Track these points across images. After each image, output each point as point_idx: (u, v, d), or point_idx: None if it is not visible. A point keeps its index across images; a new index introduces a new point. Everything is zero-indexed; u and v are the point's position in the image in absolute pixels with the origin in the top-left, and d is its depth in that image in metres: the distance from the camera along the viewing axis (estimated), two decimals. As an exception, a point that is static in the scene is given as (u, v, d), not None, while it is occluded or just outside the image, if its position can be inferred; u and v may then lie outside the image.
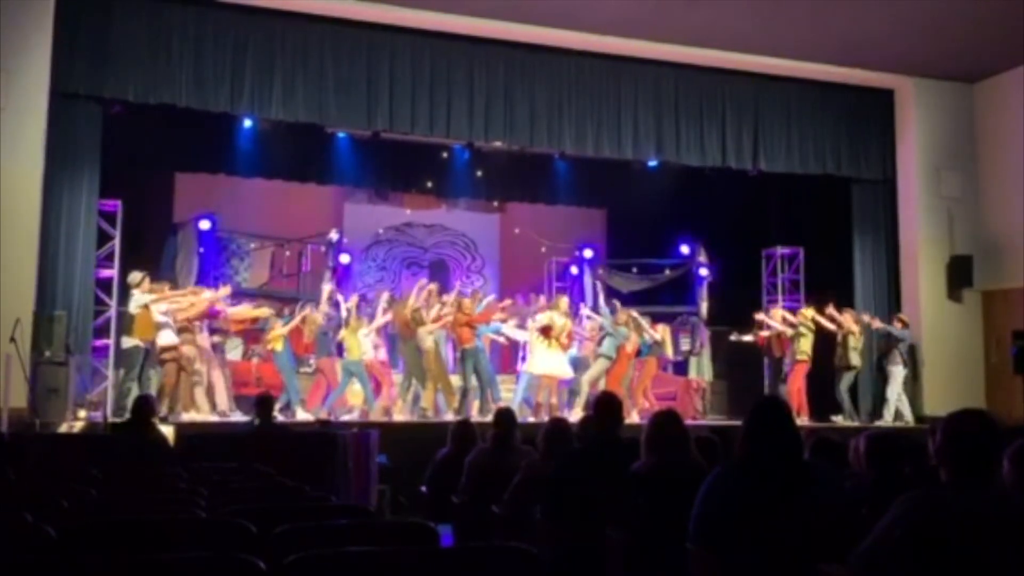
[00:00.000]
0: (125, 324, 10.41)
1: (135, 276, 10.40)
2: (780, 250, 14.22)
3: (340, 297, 12.19)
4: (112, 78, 10.28)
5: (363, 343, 11.46)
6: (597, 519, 4.29)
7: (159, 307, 10.28)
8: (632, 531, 4.11)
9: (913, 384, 12.59)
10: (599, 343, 12.09)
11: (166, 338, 10.29)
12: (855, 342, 12.24)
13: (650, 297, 15.16)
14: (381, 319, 11.81)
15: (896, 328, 12.31)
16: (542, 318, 11.77)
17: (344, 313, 11.70)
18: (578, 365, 12.12)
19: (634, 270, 16.05)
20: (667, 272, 15.81)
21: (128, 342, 10.26)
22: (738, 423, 3.78)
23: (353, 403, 11.69)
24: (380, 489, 8.58)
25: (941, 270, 12.99)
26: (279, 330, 11.45)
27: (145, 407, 7.57)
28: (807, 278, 13.98)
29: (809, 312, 12.49)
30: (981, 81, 13.17)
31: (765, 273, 14.40)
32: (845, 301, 13.10)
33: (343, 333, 11.56)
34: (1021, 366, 11.21)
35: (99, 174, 10.47)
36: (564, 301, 12.00)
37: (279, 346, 11.39)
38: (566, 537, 4.50)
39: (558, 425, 5.79)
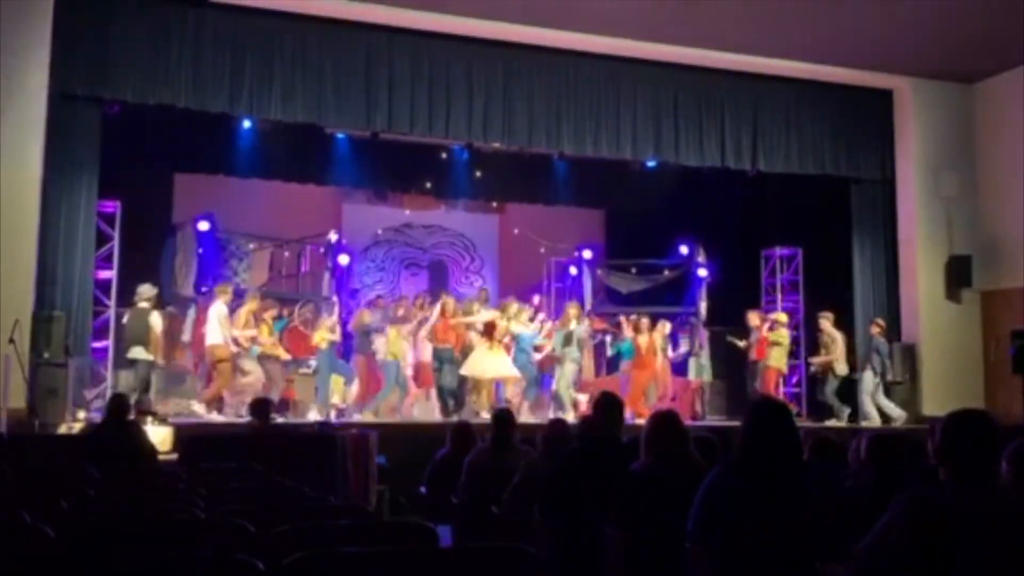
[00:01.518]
0: (137, 335, 10.58)
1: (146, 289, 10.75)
2: (779, 250, 14.22)
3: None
4: (111, 79, 10.27)
5: (401, 344, 11.64)
6: (596, 519, 4.29)
7: (220, 313, 10.79)
8: (631, 531, 4.11)
9: (912, 384, 12.61)
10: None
11: (214, 338, 10.72)
12: (838, 353, 12.40)
13: (649, 297, 15.14)
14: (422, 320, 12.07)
15: (874, 334, 12.38)
16: (487, 314, 11.76)
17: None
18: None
19: (633, 270, 16.02)
20: (666, 272, 15.78)
21: (140, 353, 10.53)
22: (737, 423, 3.78)
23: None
24: (379, 489, 8.59)
25: (940, 270, 12.99)
26: (326, 328, 11.57)
27: (121, 407, 7.55)
28: (806, 278, 13.98)
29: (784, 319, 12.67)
30: (980, 81, 13.17)
31: (764, 273, 14.40)
32: (844, 302, 13.13)
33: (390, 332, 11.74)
34: (1020, 366, 11.21)
35: (98, 175, 10.46)
36: (514, 307, 12.02)
37: (324, 345, 11.48)
38: (565, 537, 4.50)
39: (558, 426, 5.80)
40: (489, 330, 11.52)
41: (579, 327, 12.17)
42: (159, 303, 11.13)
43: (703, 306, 14.75)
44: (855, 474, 4.47)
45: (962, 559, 2.75)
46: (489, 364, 11.49)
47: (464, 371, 11.69)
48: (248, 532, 3.42)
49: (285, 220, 14.70)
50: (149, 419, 9.07)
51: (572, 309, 12.27)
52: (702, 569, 3.46)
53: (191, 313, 12.67)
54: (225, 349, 10.91)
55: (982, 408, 3.19)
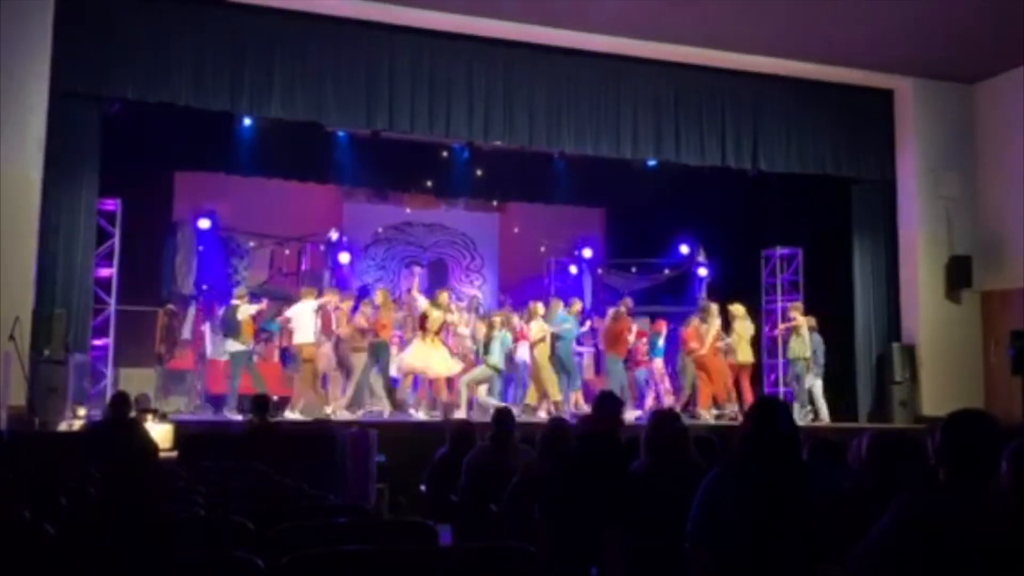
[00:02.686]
0: (229, 330, 11.30)
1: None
2: (779, 250, 14.22)
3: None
4: (112, 77, 10.26)
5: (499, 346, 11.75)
6: (595, 518, 4.29)
7: (308, 312, 11.21)
8: (630, 531, 4.11)
9: (912, 384, 12.61)
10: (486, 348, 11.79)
11: (305, 337, 11.10)
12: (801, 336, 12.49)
13: (649, 297, 15.15)
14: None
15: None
16: (421, 307, 11.52)
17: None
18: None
19: (633, 270, 16.05)
20: (666, 272, 15.81)
21: (233, 346, 11.20)
22: (736, 423, 3.78)
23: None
24: (379, 488, 8.60)
25: (940, 270, 12.99)
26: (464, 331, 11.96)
27: (123, 404, 7.54)
28: (806, 279, 13.98)
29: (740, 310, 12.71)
30: (980, 81, 13.16)
31: (764, 273, 14.39)
32: (845, 302, 13.13)
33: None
34: (1020, 367, 11.21)
35: (98, 173, 10.45)
36: (444, 296, 11.75)
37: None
38: (564, 536, 4.50)
39: (557, 425, 5.80)
40: (421, 323, 11.28)
41: (503, 333, 11.72)
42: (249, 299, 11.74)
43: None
44: (855, 474, 4.47)
45: (959, 561, 2.75)
46: (429, 359, 11.17)
47: (402, 366, 11.44)
48: (248, 530, 3.42)
49: (285, 218, 14.73)
50: (149, 416, 9.08)
51: (498, 317, 11.95)
52: (702, 570, 3.46)
53: (191, 311, 12.69)
54: (313, 348, 11.16)
55: (983, 408, 3.17)
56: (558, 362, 11.85)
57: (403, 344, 12.11)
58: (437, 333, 11.25)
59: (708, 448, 5.01)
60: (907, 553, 2.79)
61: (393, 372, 11.66)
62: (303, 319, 11.18)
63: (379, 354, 11.44)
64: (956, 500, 2.84)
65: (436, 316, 11.24)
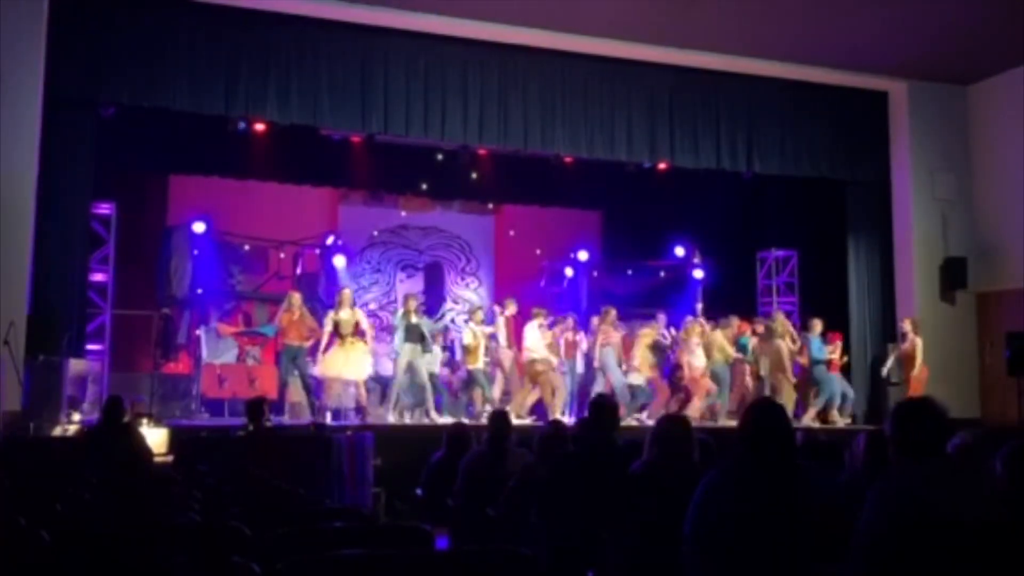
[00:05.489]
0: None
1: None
2: (775, 252, 14.23)
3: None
4: (106, 81, 10.24)
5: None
6: (592, 521, 4.29)
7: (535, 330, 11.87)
8: (628, 532, 4.11)
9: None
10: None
11: (537, 354, 11.66)
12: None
13: (645, 299, 15.14)
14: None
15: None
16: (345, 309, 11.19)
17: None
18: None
19: (629, 272, 16.05)
20: (662, 274, 15.81)
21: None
22: (733, 425, 3.79)
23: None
24: (375, 492, 8.59)
25: (935, 272, 13.00)
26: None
27: (117, 409, 7.50)
28: (802, 281, 13.99)
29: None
30: (975, 83, 13.19)
31: (760, 275, 14.41)
32: (840, 304, 13.14)
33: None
34: (1015, 368, 11.22)
35: (93, 177, 10.43)
36: (347, 294, 11.44)
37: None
38: (561, 539, 4.50)
39: (555, 428, 5.80)
40: (335, 330, 10.97)
41: (424, 320, 11.60)
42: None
43: (699, 308, 14.76)
44: (851, 475, 4.47)
45: (944, 550, 2.83)
46: (339, 364, 10.91)
47: (317, 372, 11.18)
48: (244, 535, 3.41)
49: (281, 222, 14.70)
50: (144, 421, 9.06)
51: (412, 302, 11.64)
52: (698, 571, 3.46)
53: (186, 315, 12.66)
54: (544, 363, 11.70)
55: (928, 396, 3.44)
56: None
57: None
58: (354, 335, 10.92)
59: (705, 450, 5.01)
60: (892, 537, 2.90)
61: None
62: (533, 337, 11.76)
63: (293, 358, 11.27)
64: (919, 477, 3.04)
65: (346, 319, 10.96)
